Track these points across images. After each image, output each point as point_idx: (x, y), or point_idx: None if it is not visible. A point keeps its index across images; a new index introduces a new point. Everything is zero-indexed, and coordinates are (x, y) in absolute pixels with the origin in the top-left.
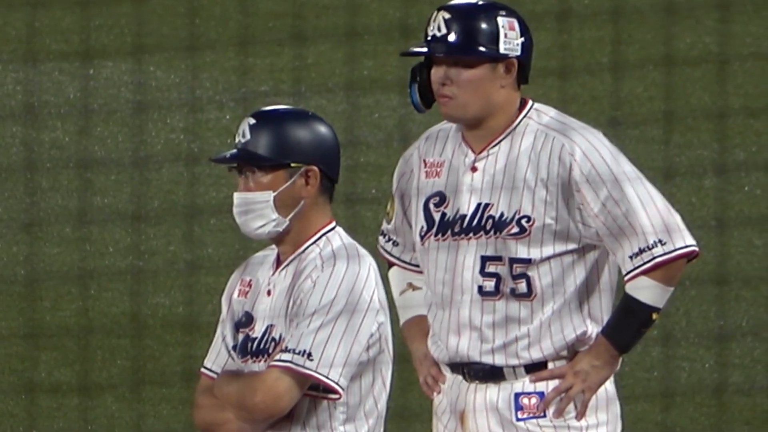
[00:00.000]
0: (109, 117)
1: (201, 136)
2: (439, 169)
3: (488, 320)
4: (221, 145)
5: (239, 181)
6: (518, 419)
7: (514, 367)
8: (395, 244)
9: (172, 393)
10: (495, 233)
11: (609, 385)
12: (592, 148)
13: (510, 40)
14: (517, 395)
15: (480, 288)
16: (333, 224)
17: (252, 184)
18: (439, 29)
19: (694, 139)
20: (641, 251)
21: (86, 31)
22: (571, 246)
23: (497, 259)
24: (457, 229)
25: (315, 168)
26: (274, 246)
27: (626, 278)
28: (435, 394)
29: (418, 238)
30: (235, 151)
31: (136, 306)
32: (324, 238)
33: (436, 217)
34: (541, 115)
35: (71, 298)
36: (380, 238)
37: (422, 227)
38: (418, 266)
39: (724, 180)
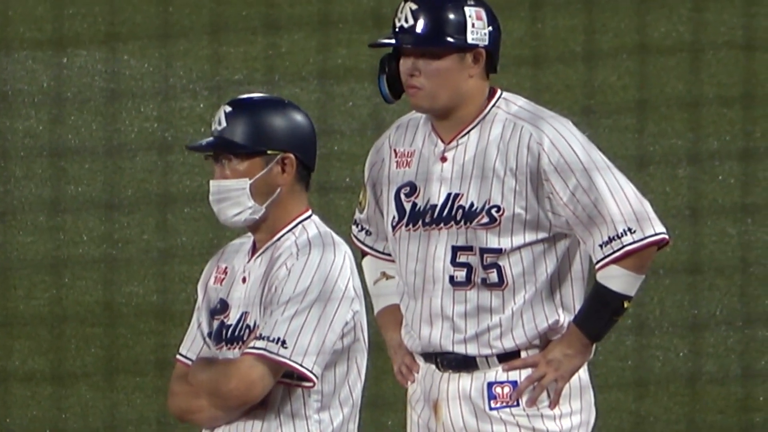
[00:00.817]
0: (83, 105)
1: (174, 124)
2: (409, 159)
3: (460, 310)
4: (195, 134)
5: (215, 168)
6: (491, 408)
7: (486, 356)
8: (368, 233)
9: (146, 381)
10: (465, 223)
11: (582, 374)
12: (560, 137)
13: (477, 29)
14: (490, 384)
15: (451, 278)
16: (309, 212)
17: (228, 172)
18: (406, 20)
19: (667, 128)
20: (611, 240)
21: (59, 20)
22: (542, 235)
23: (468, 249)
24: (428, 220)
25: (291, 155)
26: (250, 233)
27: (597, 267)
28: (409, 383)
29: (390, 228)
30: (211, 138)
31: (109, 294)
32: (300, 226)
33: (407, 207)
34: (509, 104)
35: (45, 287)
36: (353, 227)
37: (394, 217)
38: (390, 255)
39: (698, 169)
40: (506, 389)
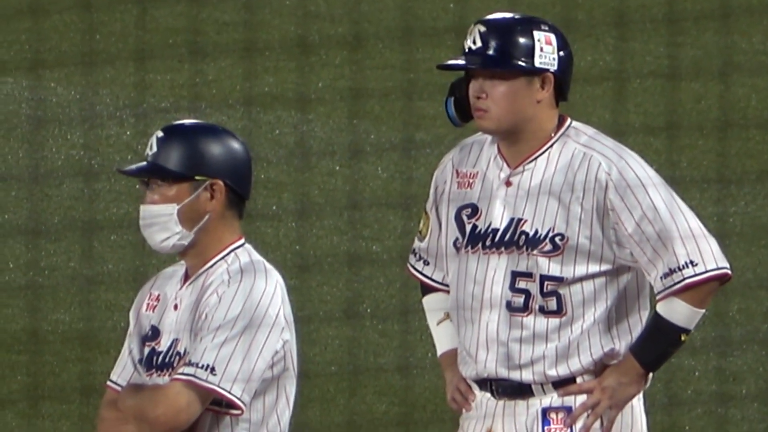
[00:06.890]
0: (9, 133)
1: (101, 151)
2: (471, 180)
3: (516, 336)
4: (121, 161)
5: (146, 193)
6: None
7: (542, 384)
8: (426, 263)
9: (72, 409)
10: (527, 249)
11: (635, 402)
12: (628, 169)
13: (546, 54)
14: (544, 410)
15: (508, 303)
16: (242, 241)
17: (157, 197)
18: (474, 42)
19: None
20: (672, 272)
21: None
22: (605, 267)
23: (527, 275)
24: (488, 243)
25: (220, 182)
26: (182, 261)
27: (657, 298)
28: (464, 411)
29: (453, 249)
30: (144, 163)
31: (35, 322)
32: (232, 254)
33: (468, 228)
34: (579, 133)
35: None
36: (411, 257)
37: (457, 238)
38: (449, 286)
39: None
40: (560, 414)
